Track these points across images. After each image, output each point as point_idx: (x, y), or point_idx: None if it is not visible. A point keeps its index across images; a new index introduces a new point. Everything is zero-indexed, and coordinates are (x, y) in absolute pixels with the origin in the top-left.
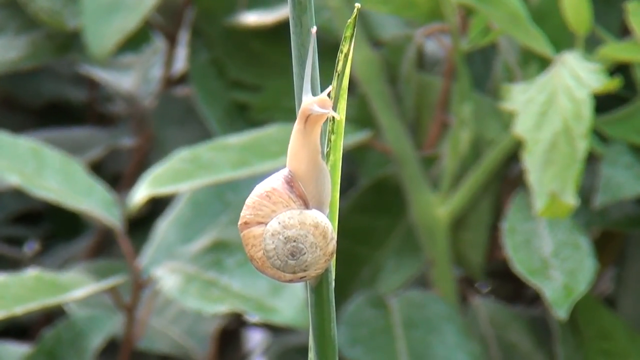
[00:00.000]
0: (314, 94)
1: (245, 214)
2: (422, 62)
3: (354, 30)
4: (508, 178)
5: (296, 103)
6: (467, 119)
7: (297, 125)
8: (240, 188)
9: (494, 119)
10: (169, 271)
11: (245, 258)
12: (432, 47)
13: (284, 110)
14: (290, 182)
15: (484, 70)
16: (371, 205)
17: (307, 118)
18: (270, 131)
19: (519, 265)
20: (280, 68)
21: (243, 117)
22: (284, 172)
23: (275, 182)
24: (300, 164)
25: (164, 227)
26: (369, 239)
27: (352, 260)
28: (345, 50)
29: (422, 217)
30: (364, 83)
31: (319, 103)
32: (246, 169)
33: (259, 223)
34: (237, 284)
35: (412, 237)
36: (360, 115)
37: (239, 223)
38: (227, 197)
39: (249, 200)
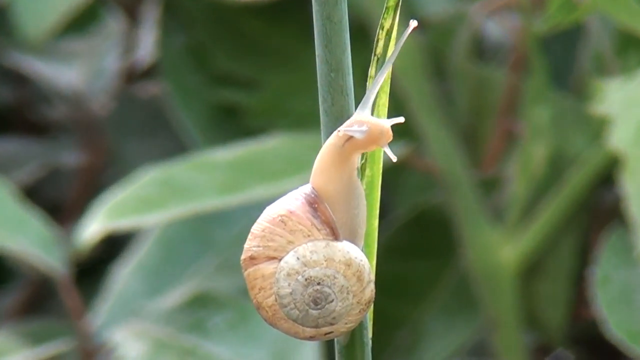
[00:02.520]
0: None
1: (251, 245)
2: (480, 49)
3: None
4: (599, 209)
5: (321, 103)
6: (543, 128)
7: (332, 140)
8: (229, 221)
9: (579, 128)
10: (131, 335)
11: (237, 317)
12: (494, 29)
13: (290, 114)
14: (314, 204)
15: (565, 61)
16: (410, 245)
17: (350, 138)
18: (270, 144)
19: (615, 327)
20: (285, 56)
21: (233, 124)
22: (305, 190)
23: (293, 203)
24: (329, 181)
25: (124, 274)
26: (407, 292)
27: (385, 321)
28: (387, 25)
29: (481, 262)
30: (401, 78)
31: (375, 130)
32: (237, 194)
33: (270, 258)
34: (226, 354)
35: (465, 289)
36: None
37: (242, 258)
38: (211, 233)
39: (256, 227)
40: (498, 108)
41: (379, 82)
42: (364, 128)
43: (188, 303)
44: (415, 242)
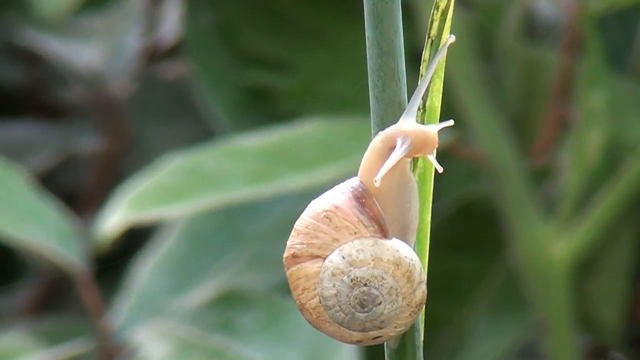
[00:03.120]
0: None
1: (293, 242)
2: (531, 29)
3: None
4: None
5: (371, 89)
6: (598, 113)
7: (376, 144)
8: (259, 213)
9: (638, 114)
10: (154, 335)
11: (268, 316)
12: (546, 7)
13: (325, 97)
14: (362, 199)
15: (624, 41)
16: (454, 239)
17: (391, 148)
18: (304, 129)
19: None
20: (320, 35)
21: (263, 108)
22: (352, 184)
23: (339, 197)
24: (368, 167)
25: (147, 269)
26: (451, 289)
27: (428, 320)
28: (442, 5)
29: (531, 258)
30: (446, 60)
31: (419, 141)
32: (269, 184)
33: (314, 257)
34: (257, 355)
35: (514, 287)
36: (444, 108)
37: (285, 256)
38: (240, 225)
39: (299, 224)
40: (550, 92)
41: (433, 67)
42: (406, 145)
43: (216, 301)
44: (460, 236)
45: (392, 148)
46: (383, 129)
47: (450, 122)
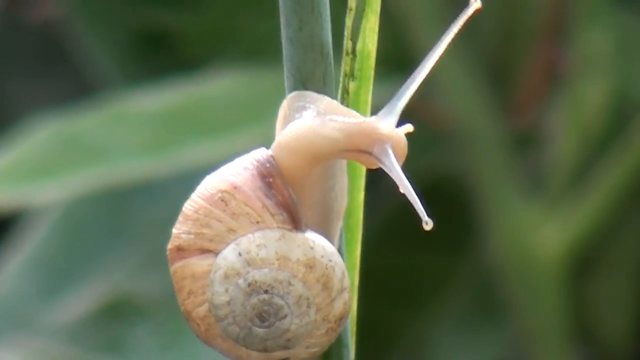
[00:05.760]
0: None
1: (180, 231)
2: None
3: None
4: None
5: (284, 27)
6: (601, 60)
7: (329, 132)
8: (157, 195)
9: None
10: (20, 356)
11: (169, 331)
12: None
13: (240, 41)
14: (269, 178)
15: None
16: (413, 229)
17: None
18: (214, 85)
19: None
20: None
21: (161, 55)
22: (258, 157)
23: (240, 174)
24: (293, 148)
25: (10, 270)
26: (407, 294)
27: (377, 333)
28: None
29: (512, 251)
30: None
31: (401, 148)
32: (169, 156)
33: (204, 251)
34: None
35: (489, 290)
36: (392, 53)
37: (169, 247)
38: (132, 213)
39: (188, 206)
40: (537, 32)
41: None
42: (391, 157)
43: (100, 311)
44: (418, 224)
45: (358, 151)
46: (303, 81)
47: (407, 127)
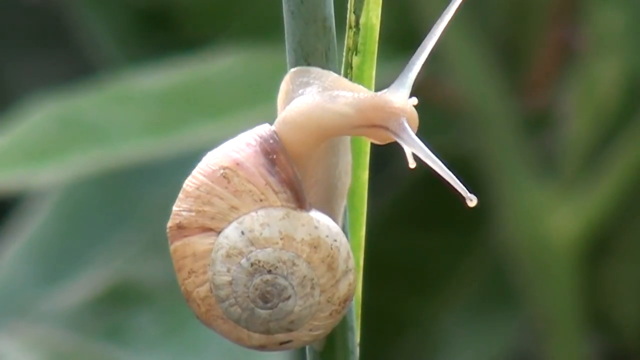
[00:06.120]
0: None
1: (180, 208)
2: None
3: None
4: None
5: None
6: (615, 39)
7: (340, 108)
8: (160, 177)
9: None
10: (18, 343)
11: (172, 317)
12: None
13: (243, 19)
14: (273, 154)
15: None
16: (421, 212)
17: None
18: (218, 64)
19: None
20: None
21: (163, 35)
22: (261, 132)
23: (242, 150)
24: (299, 124)
25: (9, 256)
26: (417, 279)
27: (384, 320)
28: None
29: (524, 236)
30: None
31: (414, 119)
32: (173, 137)
33: (205, 229)
34: None
35: (500, 276)
36: (399, 31)
37: (169, 225)
38: (134, 195)
39: (189, 183)
40: (550, 10)
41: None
42: (409, 131)
43: (101, 298)
44: (430, 207)
45: (372, 126)
46: (304, 56)
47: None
